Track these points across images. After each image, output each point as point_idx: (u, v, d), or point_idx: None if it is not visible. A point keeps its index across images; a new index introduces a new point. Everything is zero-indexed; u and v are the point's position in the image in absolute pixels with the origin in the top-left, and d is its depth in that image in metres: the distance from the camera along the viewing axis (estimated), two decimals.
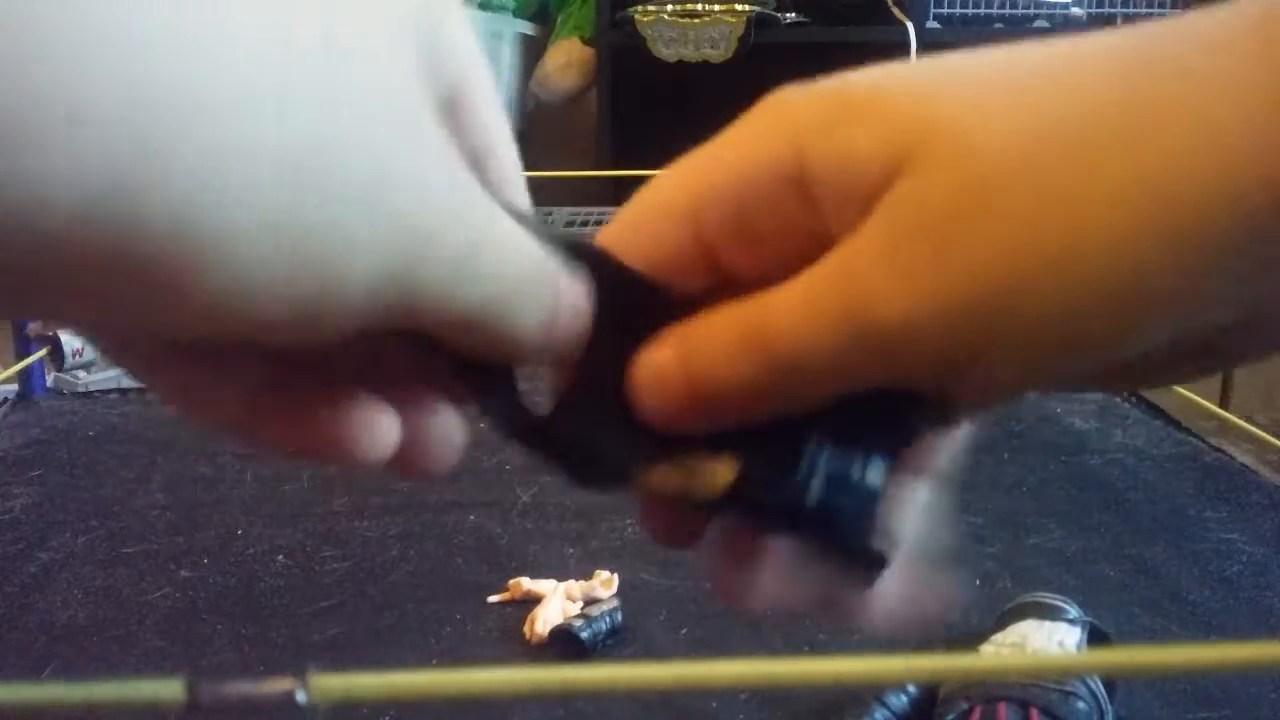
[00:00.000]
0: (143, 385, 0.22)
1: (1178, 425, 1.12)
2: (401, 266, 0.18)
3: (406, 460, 0.22)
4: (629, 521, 0.89)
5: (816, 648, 0.72)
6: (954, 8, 1.83)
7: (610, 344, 0.23)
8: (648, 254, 0.23)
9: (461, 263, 0.19)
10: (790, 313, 0.21)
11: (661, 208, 0.23)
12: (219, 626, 0.75)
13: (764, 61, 1.68)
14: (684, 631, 0.75)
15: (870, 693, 0.62)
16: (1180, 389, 1.09)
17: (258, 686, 0.18)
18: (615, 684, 0.20)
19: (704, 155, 0.23)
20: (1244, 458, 1.05)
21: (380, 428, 0.21)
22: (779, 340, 0.21)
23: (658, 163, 0.25)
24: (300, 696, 0.18)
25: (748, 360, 0.22)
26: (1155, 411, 1.16)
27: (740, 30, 1.70)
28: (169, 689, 0.18)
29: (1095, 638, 0.65)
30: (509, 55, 1.94)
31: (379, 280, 0.18)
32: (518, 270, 0.20)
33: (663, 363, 0.23)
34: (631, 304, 0.23)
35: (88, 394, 1.24)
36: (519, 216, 0.21)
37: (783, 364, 0.21)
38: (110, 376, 1.33)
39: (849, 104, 0.21)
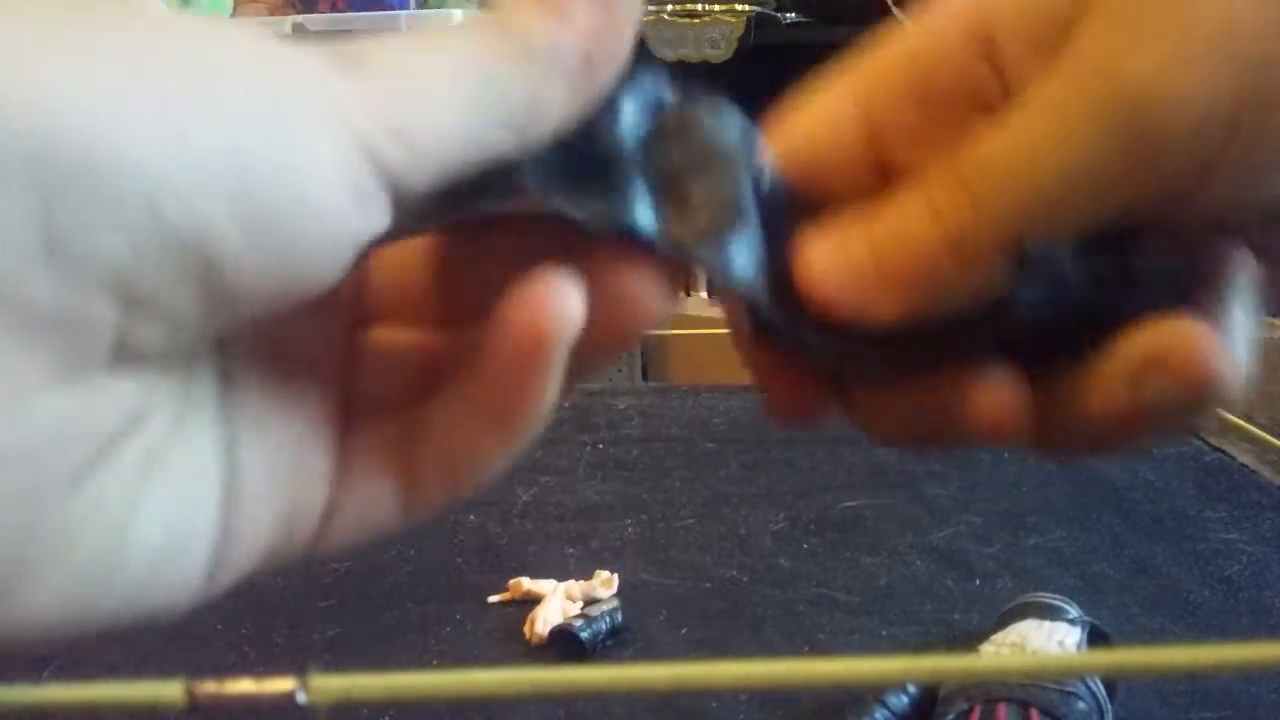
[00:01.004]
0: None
1: None
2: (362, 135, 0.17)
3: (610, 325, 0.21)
4: (629, 521, 0.89)
5: (816, 648, 0.72)
6: None
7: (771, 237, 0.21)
8: (808, 150, 0.22)
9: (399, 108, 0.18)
10: (1015, 137, 0.19)
11: (827, 97, 0.22)
12: (219, 627, 0.75)
13: (764, 61, 1.68)
14: (684, 631, 0.75)
15: (870, 693, 0.62)
16: None
17: (258, 686, 0.18)
18: (615, 684, 0.20)
19: (874, 48, 0.22)
20: (1244, 458, 1.05)
21: (564, 290, 0.20)
22: (1006, 165, 0.19)
23: None
24: (300, 697, 0.18)
25: (964, 205, 0.20)
26: None
27: (740, 30, 1.70)
28: (169, 689, 0.18)
29: (1095, 638, 0.65)
30: None
31: (349, 159, 0.17)
32: (467, 80, 0.18)
33: (848, 239, 0.21)
34: (780, 205, 0.21)
35: None
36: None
37: (1022, 192, 0.19)
38: None
39: None
